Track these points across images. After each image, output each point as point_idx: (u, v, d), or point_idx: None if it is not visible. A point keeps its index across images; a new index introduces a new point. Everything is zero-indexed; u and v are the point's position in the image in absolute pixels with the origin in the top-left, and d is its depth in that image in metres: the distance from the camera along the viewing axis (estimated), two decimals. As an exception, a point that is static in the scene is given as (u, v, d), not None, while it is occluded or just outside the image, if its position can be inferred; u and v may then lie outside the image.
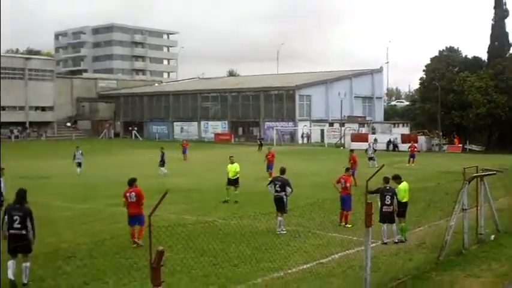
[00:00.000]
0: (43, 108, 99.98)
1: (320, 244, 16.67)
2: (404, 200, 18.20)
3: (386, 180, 18.03)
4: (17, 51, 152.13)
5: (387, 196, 17.60)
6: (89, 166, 39.37)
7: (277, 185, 19.50)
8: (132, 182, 17.71)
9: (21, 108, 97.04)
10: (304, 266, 14.54)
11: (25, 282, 12.85)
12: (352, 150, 36.59)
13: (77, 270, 13.54)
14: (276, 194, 19.39)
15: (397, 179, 18.56)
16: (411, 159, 47.72)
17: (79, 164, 38.25)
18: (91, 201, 26.49)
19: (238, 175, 26.83)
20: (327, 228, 18.25)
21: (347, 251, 15.98)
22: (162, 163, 39.31)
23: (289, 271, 14.06)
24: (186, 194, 26.42)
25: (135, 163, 44.42)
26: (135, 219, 17.00)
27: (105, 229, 19.66)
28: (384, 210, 17.58)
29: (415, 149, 50.83)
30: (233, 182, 26.65)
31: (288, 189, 19.39)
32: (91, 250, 14.77)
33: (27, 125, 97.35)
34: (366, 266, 12.09)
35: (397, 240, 17.67)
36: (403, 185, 18.51)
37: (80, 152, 38.77)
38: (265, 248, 15.73)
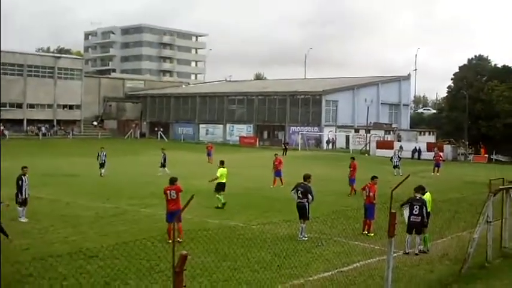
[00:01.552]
0: (71, 107, 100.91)
1: (341, 252, 16.58)
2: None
3: (417, 190, 17.93)
4: (48, 49, 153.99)
5: (416, 206, 17.45)
6: (114, 166, 39.59)
7: (299, 191, 19.41)
8: (173, 181, 18.34)
9: (50, 106, 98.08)
10: (325, 274, 14.45)
11: None
12: (353, 158, 34.79)
13: (98, 270, 13.64)
14: (299, 200, 19.30)
15: (421, 190, 18.36)
16: (436, 168, 47.34)
17: (102, 165, 38.32)
18: (115, 201, 26.63)
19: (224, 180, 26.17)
20: (348, 236, 18.12)
21: (368, 260, 15.85)
22: (163, 164, 39.79)
23: (310, 278, 14.04)
24: (210, 197, 26.44)
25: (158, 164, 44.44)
26: (174, 215, 17.21)
27: (127, 229, 19.82)
28: (411, 220, 17.46)
29: (440, 158, 50.36)
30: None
31: (309, 197, 19.30)
32: (113, 250, 14.87)
33: (55, 123, 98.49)
34: (387, 277, 12.00)
35: (418, 251, 17.54)
36: (426, 196, 18.38)
37: (104, 153, 38.76)
38: (285, 254, 15.73)
